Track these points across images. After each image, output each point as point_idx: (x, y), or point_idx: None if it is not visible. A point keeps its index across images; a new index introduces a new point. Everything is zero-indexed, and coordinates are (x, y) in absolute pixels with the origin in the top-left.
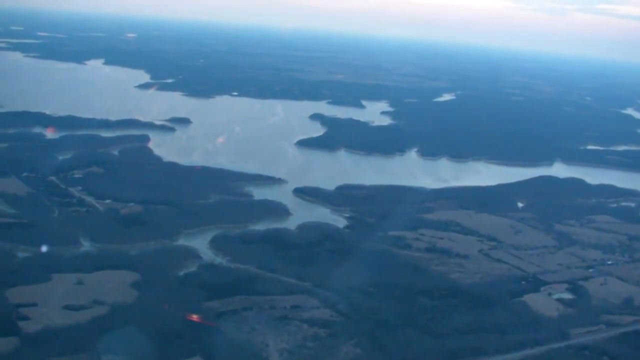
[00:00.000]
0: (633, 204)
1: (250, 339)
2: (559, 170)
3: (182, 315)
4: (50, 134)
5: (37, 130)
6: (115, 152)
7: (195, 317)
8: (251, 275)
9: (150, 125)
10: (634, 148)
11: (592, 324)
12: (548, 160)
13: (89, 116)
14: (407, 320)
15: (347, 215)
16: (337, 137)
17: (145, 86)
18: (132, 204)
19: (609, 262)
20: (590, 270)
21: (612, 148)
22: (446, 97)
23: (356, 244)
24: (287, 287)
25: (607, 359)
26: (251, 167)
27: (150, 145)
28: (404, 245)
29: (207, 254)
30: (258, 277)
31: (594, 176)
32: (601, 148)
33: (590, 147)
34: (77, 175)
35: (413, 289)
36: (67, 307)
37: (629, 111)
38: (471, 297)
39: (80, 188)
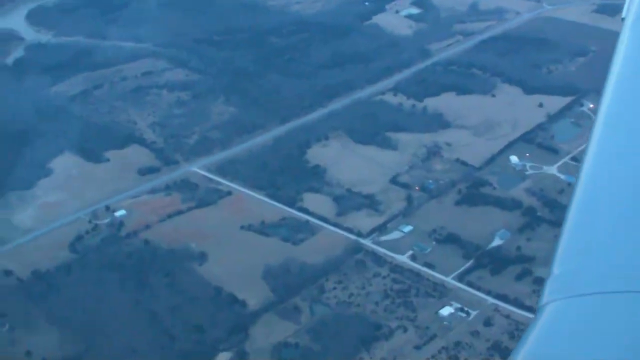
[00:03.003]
0: None
1: (114, 120)
2: None
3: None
4: None
5: None
6: None
7: None
8: (86, 47)
9: None
10: None
11: (449, 36)
12: None
13: None
14: (266, 65)
15: None
16: None
17: None
18: None
19: None
20: None
21: None
22: None
23: None
24: (128, 52)
25: (475, 70)
26: None
27: None
28: None
29: (29, 33)
30: (94, 48)
31: None
32: None
33: None
34: None
35: (258, 29)
36: None
37: None
38: (322, 28)
39: None
